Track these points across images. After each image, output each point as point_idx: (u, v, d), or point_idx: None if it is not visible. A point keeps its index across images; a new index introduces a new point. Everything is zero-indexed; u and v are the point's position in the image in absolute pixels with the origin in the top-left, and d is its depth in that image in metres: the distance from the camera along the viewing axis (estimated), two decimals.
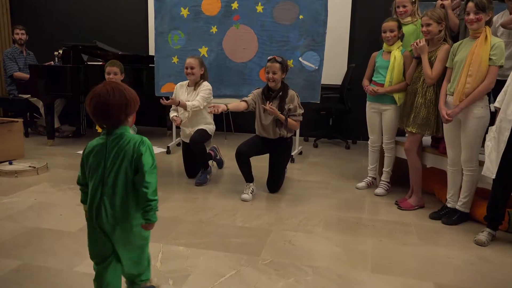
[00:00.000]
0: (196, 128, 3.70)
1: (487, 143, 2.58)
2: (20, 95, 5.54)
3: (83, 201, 1.75)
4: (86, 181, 1.71)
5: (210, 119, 3.82)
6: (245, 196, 3.31)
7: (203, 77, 3.78)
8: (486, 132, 2.78)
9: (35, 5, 6.64)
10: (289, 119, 3.33)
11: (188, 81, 3.80)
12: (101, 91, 1.63)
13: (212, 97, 3.77)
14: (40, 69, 5.08)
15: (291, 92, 3.38)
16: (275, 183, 3.51)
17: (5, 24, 6.60)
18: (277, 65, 3.28)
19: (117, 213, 1.65)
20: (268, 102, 3.33)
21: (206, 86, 3.72)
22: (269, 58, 3.35)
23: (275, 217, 2.97)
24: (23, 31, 5.66)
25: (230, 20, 4.62)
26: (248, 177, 3.44)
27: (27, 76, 5.35)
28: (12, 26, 6.56)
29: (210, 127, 3.79)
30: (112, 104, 1.62)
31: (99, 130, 3.55)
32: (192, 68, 3.69)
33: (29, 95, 5.43)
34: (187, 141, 3.72)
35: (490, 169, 2.54)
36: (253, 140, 3.51)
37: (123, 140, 1.67)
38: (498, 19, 3.07)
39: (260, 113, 3.42)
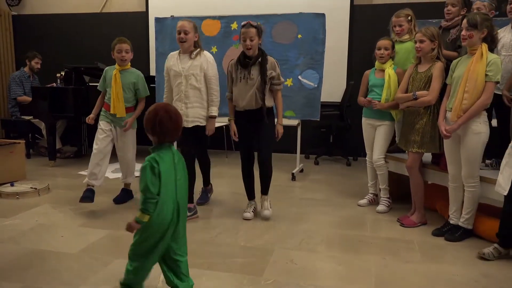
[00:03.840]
0: (191, 116, 3.21)
1: (503, 160, 2.57)
2: (22, 117, 5.59)
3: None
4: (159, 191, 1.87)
5: (204, 97, 3.26)
6: (246, 214, 3.29)
7: (198, 45, 3.27)
8: (486, 148, 2.79)
9: (38, 27, 6.75)
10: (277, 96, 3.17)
11: (178, 51, 3.30)
12: (171, 112, 1.91)
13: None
14: (42, 90, 5.14)
15: (270, 59, 3.14)
16: (264, 153, 3.20)
17: (7, 46, 6.70)
18: (253, 30, 3.01)
19: None
20: (246, 70, 3.10)
21: (210, 59, 3.25)
22: (243, 23, 3.06)
23: (277, 236, 2.95)
24: (41, 61, 5.80)
25: (229, 40, 4.69)
26: (250, 193, 3.41)
27: (30, 99, 5.41)
28: (17, 49, 6.67)
29: (205, 114, 3.28)
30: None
31: None
32: (185, 32, 3.14)
33: (31, 117, 5.48)
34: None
35: (502, 185, 2.52)
36: (243, 147, 3.30)
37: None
38: (501, 33, 3.11)
39: (238, 84, 3.14)
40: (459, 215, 2.96)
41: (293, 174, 4.60)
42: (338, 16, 5.52)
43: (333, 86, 5.55)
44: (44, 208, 3.50)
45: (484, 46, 2.68)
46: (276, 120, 3.23)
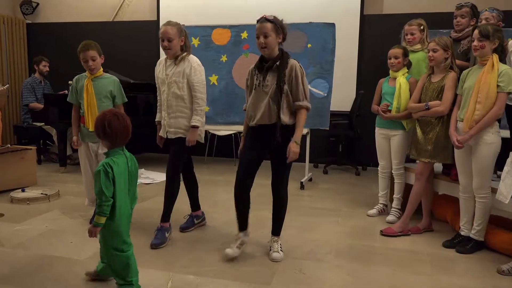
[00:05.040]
0: (173, 126, 2.92)
1: (505, 167, 2.55)
2: (34, 123, 5.67)
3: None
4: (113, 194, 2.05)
5: (189, 105, 2.90)
6: (228, 251, 2.64)
7: (185, 48, 2.93)
8: (498, 158, 2.76)
9: (51, 35, 6.86)
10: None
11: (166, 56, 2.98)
12: (118, 114, 2.10)
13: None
14: (54, 97, 5.21)
15: (291, 62, 2.53)
16: (277, 182, 2.68)
17: (21, 53, 6.82)
18: (268, 25, 2.46)
19: None
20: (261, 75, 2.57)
21: (194, 64, 2.87)
22: (258, 19, 2.54)
23: (286, 245, 2.93)
24: (48, 64, 5.89)
25: (239, 49, 4.73)
26: (243, 222, 2.75)
27: (42, 106, 5.49)
28: (31, 56, 6.79)
29: (189, 125, 2.91)
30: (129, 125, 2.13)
31: None
32: (169, 39, 2.81)
33: (43, 123, 5.55)
34: (163, 135, 3.02)
35: (504, 194, 2.50)
36: (247, 155, 2.68)
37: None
38: None
39: (253, 92, 2.62)
40: (470, 226, 2.92)
41: (302, 183, 4.59)
42: (348, 25, 5.53)
43: (342, 96, 5.54)
44: (54, 214, 3.52)
45: (495, 57, 2.67)
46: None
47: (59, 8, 6.84)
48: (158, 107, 3.14)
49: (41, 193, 3.93)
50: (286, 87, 2.50)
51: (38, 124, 5.62)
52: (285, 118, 2.53)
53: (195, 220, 3.25)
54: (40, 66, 5.82)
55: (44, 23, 6.92)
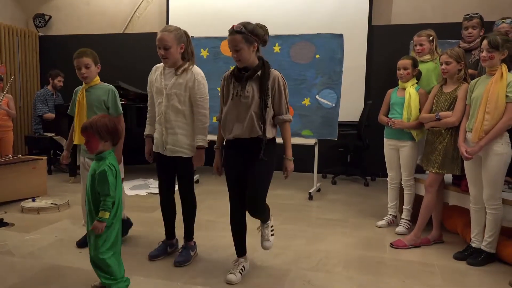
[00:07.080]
0: (171, 144, 2.66)
1: None
2: (45, 134, 5.74)
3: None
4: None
5: (190, 122, 2.68)
6: (231, 277, 2.49)
7: (188, 56, 2.67)
8: (509, 169, 2.74)
9: (63, 47, 6.97)
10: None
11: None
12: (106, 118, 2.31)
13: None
14: (65, 108, 5.27)
15: (274, 73, 2.39)
16: (253, 200, 2.44)
17: (33, 65, 6.94)
18: (238, 37, 2.28)
19: None
20: (239, 85, 2.39)
21: (198, 76, 2.62)
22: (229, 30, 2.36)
23: (294, 256, 2.92)
24: (63, 79, 6.00)
25: None
26: (242, 247, 2.66)
27: (54, 116, 5.58)
28: (43, 68, 6.91)
29: (191, 143, 2.68)
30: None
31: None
32: (166, 47, 2.56)
33: (54, 134, 5.63)
34: (161, 151, 2.71)
35: None
36: (232, 176, 2.53)
37: None
38: None
39: (229, 102, 2.43)
40: (481, 238, 2.88)
41: (310, 193, 4.57)
42: (356, 36, 5.54)
43: (351, 106, 5.54)
44: (64, 224, 3.55)
45: (504, 67, 2.67)
46: (284, 154, 2.46)
47: (70, 21, 6.97)
48: (148, 119, 2.84)
49: (51, 203, 3.97)
50: (270, 100, 2.35)
51: (49, 134, 5.70)
52: (269, 133, 2.38)
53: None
54: (55, 80, 5.93)
55: (56, 35, 7.04)
